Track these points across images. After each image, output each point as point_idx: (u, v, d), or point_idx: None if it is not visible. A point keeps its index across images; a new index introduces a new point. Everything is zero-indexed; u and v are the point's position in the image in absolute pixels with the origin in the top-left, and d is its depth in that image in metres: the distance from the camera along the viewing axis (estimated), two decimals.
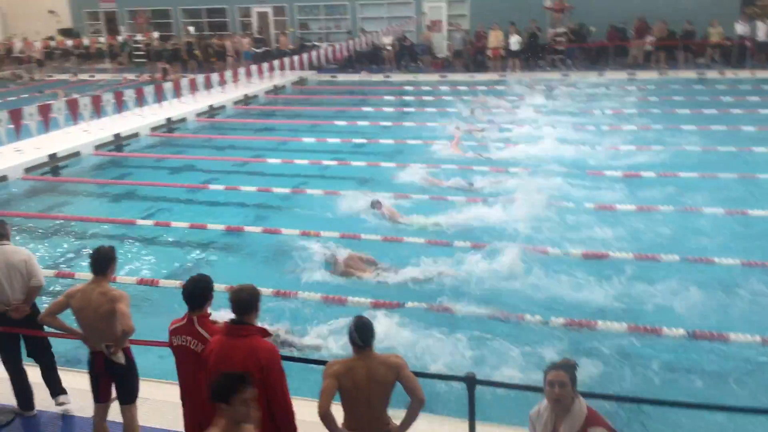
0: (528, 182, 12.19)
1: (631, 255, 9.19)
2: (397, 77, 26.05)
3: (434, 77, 25.66)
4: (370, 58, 28.12)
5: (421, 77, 25.82)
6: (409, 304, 7.96)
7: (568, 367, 4.06)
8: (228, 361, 4.18)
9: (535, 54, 26.08)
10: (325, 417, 4.20)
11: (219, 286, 8.24)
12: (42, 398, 6.23)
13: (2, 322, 5.81)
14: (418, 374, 4.53)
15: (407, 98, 21.79)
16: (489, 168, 13.19)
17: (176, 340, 4.62)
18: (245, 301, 4.33)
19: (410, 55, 27.50)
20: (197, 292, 4.58)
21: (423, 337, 7.28)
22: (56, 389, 6.11)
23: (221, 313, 5.77)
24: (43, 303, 7.65)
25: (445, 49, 28.09)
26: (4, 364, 6.06)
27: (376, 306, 7.94)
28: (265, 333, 4.38)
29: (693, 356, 7.01)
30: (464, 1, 27.99)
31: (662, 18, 24.46)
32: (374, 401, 4.29)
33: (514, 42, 25.31)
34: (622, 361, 6.90)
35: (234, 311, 4.34)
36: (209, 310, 4.71)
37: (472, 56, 26.62)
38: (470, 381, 4.72)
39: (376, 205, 10.87)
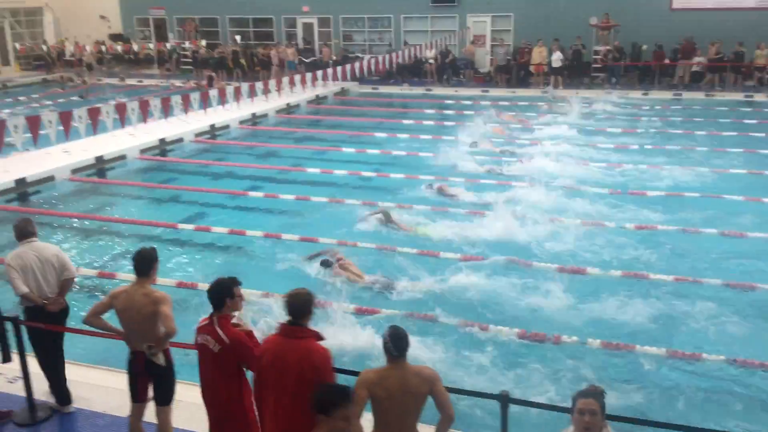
0: (568, 202, 12.13)
1: (671, 277, 9.05)
2: (438, 91, 26.08)
3: (476, 92, 25.61)
4: (412, 71, 28.23)
5: (463, 91, 25.82)
6: (442, 319, 7.95)
7: (597, 395, 4.00)
8: (283, 361, 4.33)
9: (579, 71, 25.89)
10: (354, 426, 4.20)
11: (254, 292, 8.51)
12: (79, 395, 6.37)
13: (40, 316, 5.99)
14: (451, 390, 4.53)
15: (447, 112, 21.78)
16: (523, 184, 13.07)
17: (199, 338, 4.78)
18: (301, 305, 4.44)
19: (452, 69, 27.54)
20: (216, 293, 4.72)
21: (454, 354, 7.26)
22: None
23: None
24: (73, 300, 7.84)
25: (488, 64, 28.06)
26: (41, 358, 6.20)
27: (410, 317, 7.96)
28: (319, 336, 4.49)
29: (732, 383, 6.86)
30: (508, 16, 27.94)
31: (710, 39, 24.09)
32: (406, 413, 4.28)
33: (556, 59, 25.17)
34: (659, 386, 6.79)
35: (290, 314, 4.45)
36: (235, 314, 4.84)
37: (515, 72, 26.54)
38: (504, 399, 4.68)
39: (386, 217, 11.03)
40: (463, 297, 8.63)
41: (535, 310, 8.31)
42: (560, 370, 7.05)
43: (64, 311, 6.16)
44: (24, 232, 6.14)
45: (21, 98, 25.38)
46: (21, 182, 13.70)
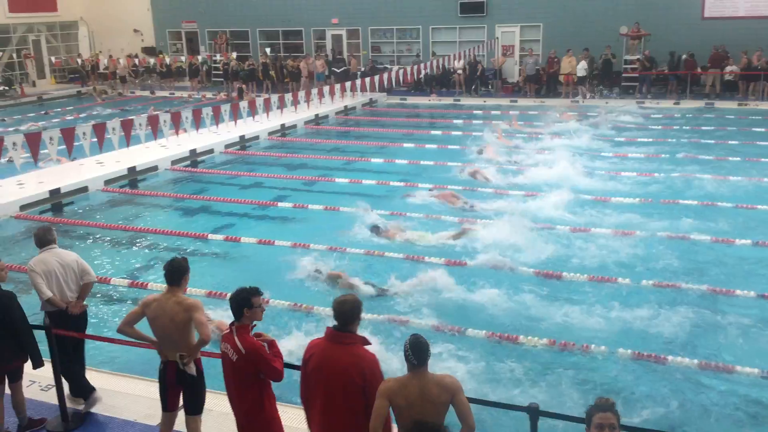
0: (598, 211, 12.04)
1: (704, 287, 8.92)
2: (466, 101, 26.06)
3: (504, 102, 25.56)
4: (441, 82, 28.25)
5: (491, 102, 25.76)
6: (470, 332, 7.92)
7: (612, 407, 3.95)
8: (330, 367, 4.41)
9: (609, 81, 25.68)
10: None
11: (282, 303, 8.57)
12: (111, 404, 6.46)
13: (63, 319, 6.20)
14: (479, 402, 4.50)
15: (476, 122, 21.73)
16: (548, 193, 12.98)
17: (222, 347, 4.86)
18: (348, 312, 4.49)
19: (481, 79, 27.50)
20: (235, 304, 4.79)
21: (483, 365, 7.22)
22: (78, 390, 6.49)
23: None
24: (105, 309, 7.96)
25: (517, 74, 27.98)
26: (63, 360, 6.29)
27: (437, 330, 7.94)
28: (366, 341, 4.54)
29: (766, 397, 6.72)
30: (537, 26, 27.85)
31: (743, 47, 23.74)
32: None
33: (581, 68, 25.05)
34: (690, 398, 6.68)
35: (337, 320, 4.51)
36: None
37: (544, 82, 26.43)
38: (533, 412, 4.64)
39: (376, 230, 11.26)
40: (491, 307, 8.59)
41: (565, 320, 8.23)
42: (589, 380, 6.97)
43: (84, 314, 6.43)
44: (44, 240, 6.39)
45: (56, 110, 25.93)
46: (55, 193, 13.98)
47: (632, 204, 12.59)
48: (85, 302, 6.42)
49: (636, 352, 7.35)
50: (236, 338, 4.72)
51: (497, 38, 28.14)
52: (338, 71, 28.64)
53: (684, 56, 24.62)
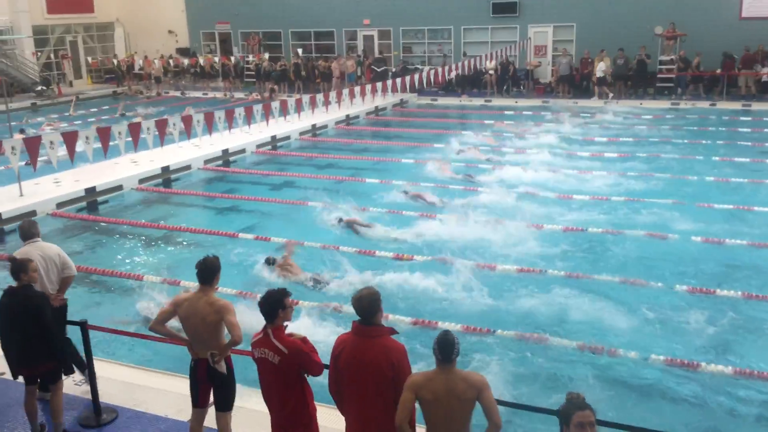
0: (629, 213, 11.91)
1: (739, 293, 8.77)
2: (498, 102, 25.93)
3: (536, 102, 25.38)
4: (472, 82, 28.14)
5: (523, 102, 25.60)
6: (500, 332, 7.89)
7: (587, 404, 3.90)
8: (360, 360, 4.46)
9: (644, 81, 25.35)
10: (401, 429, 4.30)
11: (312, 303, 8.62)
12: (142, 399, 6.56)
13: None
14: (509, 404, 4.49)
15: (507, 123, 21.61)
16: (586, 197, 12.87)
17: (257, 353, 4.83)
18: (368, 306, 4.53)
19: (512, 80, 27.34)
20: (267, 307, 4.78)
21: (510, 366, 7.19)
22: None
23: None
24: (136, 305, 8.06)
25: (549, 74, 27.76)
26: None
27: (468, 331, 7.92)
28: (392, 331, 4.58)
29: None
30: (571, 26, 27.60)
31: None
32: (452, 416, 4.30)
33: (600, 69, 24.86)
34: (724, 405, 6.57)
35: (360, 315, 4.55)
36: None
37: (577, 82, 26.17)
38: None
39: (342, 223, 11.57)
40: (522, 308, 8.56)
41: (594, 324, 8.16)
42: (620, 385, 6.90)
43: (64, 306, 6.54)
44: (28, 233, 6.62)
45: (92, 110, 26.40)
46: (91, 191, 14.24)
47: (665, 204, 12.42)
48: (65, 296, 6.58)
49: (668, 358, 7.25)
50: (274, 340, 4.72)
51: (529, 38, 27.95)
52: (378, 70, 28.75)
53: (736, 56, 24.17)
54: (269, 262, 9.99)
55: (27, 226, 6.69)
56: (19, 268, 5.78)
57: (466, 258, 10.11)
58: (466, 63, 26.10)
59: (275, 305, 4.77)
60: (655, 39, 24.94)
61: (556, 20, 27.78)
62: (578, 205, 12.75)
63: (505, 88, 27.18)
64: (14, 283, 5.82)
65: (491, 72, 27.08)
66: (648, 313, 8.34)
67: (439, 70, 25.28)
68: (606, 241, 10.87)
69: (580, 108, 23.71)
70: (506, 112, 23.59)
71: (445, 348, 4.28)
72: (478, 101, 26.36)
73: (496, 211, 12.27)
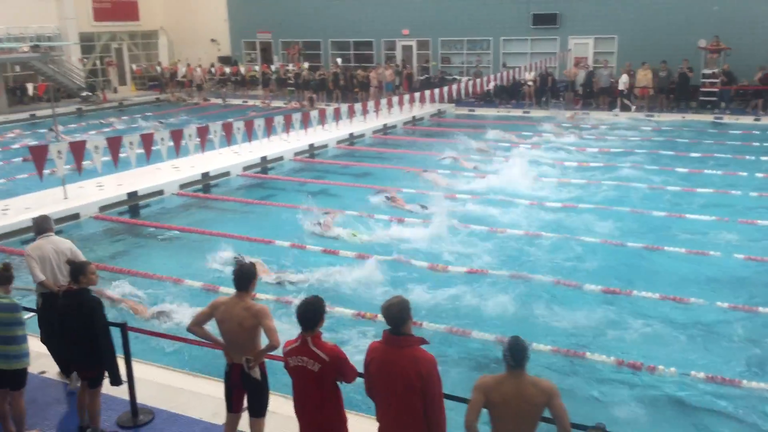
0: (669, 227, 11.72)
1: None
2: (536, 113, 25.77)
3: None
4: (511, 93, 28.02)
5: (562, 114, 25.37)
6: (535, 345, 7.81)
7: None
8: (390, 371, 4.46)
9: (686, 95, 24.95)
10: (470, 430, 4.31)
11: (343, 310, 8.66)
12: (178, 402, 6.65)
13: (52, 302, 6.44)
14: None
15: (545, 135, 21.45)
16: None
17: (293, 361, 4.80)
18: (397, 314, 4.51)
19: (552, 91, 27.15)
20: (310, 314, 4.75)
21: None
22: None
23: None
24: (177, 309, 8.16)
25: (619, 87, 27.41)
26: (47, 338, 6.71)
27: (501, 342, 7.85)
28: (422, 341, 4.56)
29: None
30: (612, 38, 27.33)
31: None
32: (520, 420, 4.30)
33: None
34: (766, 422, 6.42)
35: (389, 324, 4.54)
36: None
37: (618, 95, 25.87)
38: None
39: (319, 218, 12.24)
40: (557, 321, 8.48)
41: (633, 339, 8.05)
42: (658, 402, 6.78)
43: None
44: (42, 228, 6.87)
45: (136, 116, 26.94)
46: (133, 195, 14.52)
47: (707, 221, 12.22)
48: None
49: (710, 375, 7.10)
50: (314, 348, 4.71)
51: (570, 50, 27.74)
52: (422, 78, 28.82)
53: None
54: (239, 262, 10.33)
55: (40, 220, 6.97)
56: (79, 270, 5.87)
57: (503, 269, 10.08)
58: (504, 74, 26.01)
59: (317, 313, 4.77)
60: (698, 52, 24.54)
61: (597, 32, 27.53)
62: (617, 217, 12.59)
63: (543, 99, 27.00)
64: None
65: (530, 83, 26.93)
66: (689, 329, 8.20)
67: (477, 80, 25.23)
68: (645, 256, 10.72)
69: (619, 120, 23.47)
70: (544, 124, 23.41)
71: (517, 353, 4.29)
72: (516, 112, 26.23)
73: (538, 221, 12.23)
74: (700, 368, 7.25)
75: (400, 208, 13.55)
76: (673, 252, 10.78)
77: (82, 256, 6.82)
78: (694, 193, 14.21)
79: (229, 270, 9.65)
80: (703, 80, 24.54)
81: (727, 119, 23.02)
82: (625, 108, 24.84)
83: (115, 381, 5.98)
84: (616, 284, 9.53)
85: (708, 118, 23.24)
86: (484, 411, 4.36)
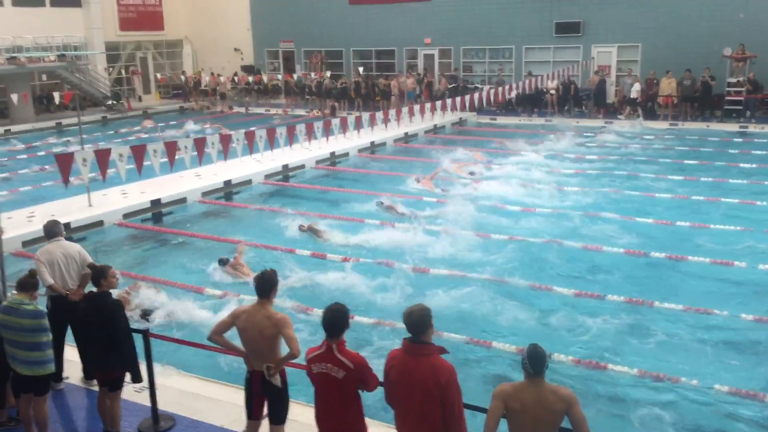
0: (692, 235, 11.59)
1: None
2: (558, 122, 25.62)
3: (598, 123, 25.00)
4: (533, 102, 27.93)
5: (584, 123, 25.25)
6: (556, 356, 7.75)
7: None
8: (409, 379, 4.45)
9: (709, 104, 24.69)
10: None
11: (364, 319, 8.65)
12: (198, 408, 6.69)
13: (61, 305, 6.70)
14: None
15: (564, 143, 21.34)
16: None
17: (316, 368, 4.81)
18: (418, 322, 4.50)
19: (574, 100, 27.01)
20: (336, 321, 4.76)
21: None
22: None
23: None
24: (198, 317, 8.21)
25: (613, 95, 27.32)
26: (56, 340, 6.65)
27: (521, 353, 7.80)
28: (442, 351, 4.54)
29: None
30: (636, 46, 27.15)
31: None
32: (539, 428, 4.28)
33: (635, 90, 24.78)
34: None
35: (410, 331, 4.53)
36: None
37: (643, 103, 25.68)
38: None
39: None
40: (579, 332, 8.41)
41: (655, 351, 7.97)
42: (681, 414, 6.70)
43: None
44: (52, 232, 7.07)
45: (160, 124, 27.23)
46: (156, 203, 14.67)
47: (733, 231, 12.06)
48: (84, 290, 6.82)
49: (734, 388, 6.99)
50: (339, 355, 4.71)
51: (593, 58, 27.59)
52: (450, 86, 28.91)
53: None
54: (222, 262, 10.75)
55: (50, 225, 7.16)
56: (99, 274, 6.02)
57: (523, 278, 10.04)
58: (527, 82, 25.94)
59: (343, 320, 4.78)
60: (723, 60, 24.28)
61: (620, 40, 27.36)
62: (640, 227, 12.50)
63: (566, 108, 26.87)
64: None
65: (552, 92, 26.83)
66: (712, 341, 8.09)
67: (499, 89, 25.17)
68: (668, 267, 10.61)
69: (643, 129, 23.31)
70: (567, 133, 23.29)
71: (536, 360, 4.28)
72: (539, 121, 26.13)
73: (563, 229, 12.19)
74: (723, 381, 7.15)
75: (394, 213, 13.70)
76: (697, 262, 10.67)
77: (89, 260, 6.98)
78: (718, 203, 14.05)
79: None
80: (728, 89, 24.25)
81: (753, 128, 22.74)
82: (629, 116, 25.01)
83: (136, 378, 6.14)
84: (638, 295, 9.44)
85: (733, 127, 22.98)
86: (503, 419, 4.35)
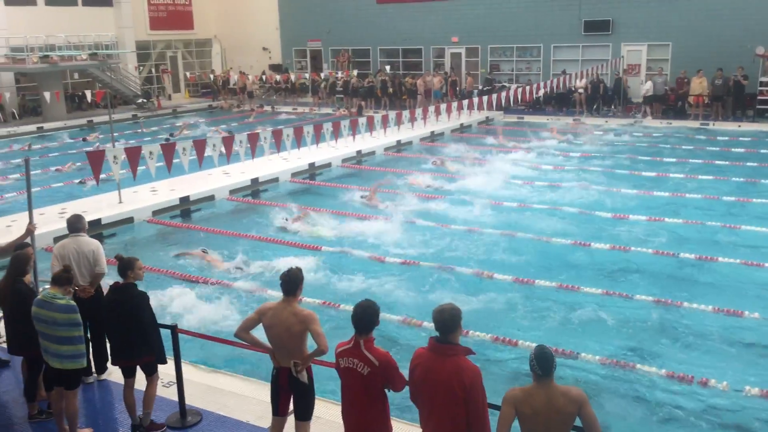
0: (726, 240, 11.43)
1: None
2: (586, 121, 25.41)
3: (627, 122, 24.74)
4: (561, 101, 27.71)
5: (613, 122, 25.00)
6: (583, 355, 7.70)
7: None
8: (434, 378, 4.45)
9: (741, 103, 24.29)
10: None
11: (391, 317, 8.68)
12: (225, 403, 6.76)
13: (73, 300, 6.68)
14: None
15: (598, 143, 21.17)
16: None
17: (343, 362, 4.85)
18: (447, 322, 4.50)
19: (603, 98, 26.75)
20: (366, 317, 4.79)
21: (593, 391, 7.00)
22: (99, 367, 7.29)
23: None
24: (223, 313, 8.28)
25: (642, 93, 26.98)
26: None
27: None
28: (468, 351, 4.54)
29: None
30: (666, 45, 26.80)
31: None
32: (553, 431, 4.25)
33: (648, 88, 24.75)
34: None
35: (438, 330, 4.53)
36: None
37: (672, 102, 25.35)
38: None
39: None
40: (606, 332, 8.35)
41: (684, 352, 7.88)
42: (710, 417, 6.62)
43: (95, 300, 6.85)
44: (74, 227, 7.14)
45: (189, 122, 27.53)
46: (185, 200, 14.85)
47: (763, 232, 11.88)
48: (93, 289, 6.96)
49: (765, 390, 6.89)
50: (366, 351, 4.75)
51: (622, 57, 27.29)
52: (482, 88, 28.88)
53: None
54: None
55: (73, 220, 7.22)
56: (127, 265, 6.15)
57: (551, 280, 9.99)
58: (555, 81, 25.75)
59: (373, 317, 4.81)
60: (756, 59, 23.87)
61: (651, 39, 27.05)
62: (670, 227, 12.36)
63: (594, 107, 26.62)
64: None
65: (581, 90, 26.59)
66: (742, 343, 7.98)
67: (527, 88, 25.02)
68: (698, 267, 10.49)
69: (673, 128, 23.03)
70: (596, 132, 23.11)
71: (544, 362, 4.25)
72: (567, 120, 25.93)
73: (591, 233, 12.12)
74: (754, 383, 7.04)
75: (375, 206, 14.20)
76: (727, 263, 10.52)
77: (103, 262, 7.07)
78: (749, 204, 13.85)
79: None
80: (761, 88, 23.85)
81: None
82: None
83: (161, 360, 6.28)
84: (667, 296, 9.34)
85: (765, 127, 22.58)
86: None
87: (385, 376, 4.75)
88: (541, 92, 25.84)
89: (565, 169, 17.52)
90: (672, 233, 12.08)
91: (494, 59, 30.74)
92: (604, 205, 14.03)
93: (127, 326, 6.10)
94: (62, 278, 6.02)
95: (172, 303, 9.45)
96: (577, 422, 4.30)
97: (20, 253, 6.68)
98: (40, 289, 6.92)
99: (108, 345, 6.81)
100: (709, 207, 13.77)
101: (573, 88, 26.78)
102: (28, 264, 6.67)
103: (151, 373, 6.29)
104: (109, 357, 6.92)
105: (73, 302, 6.01)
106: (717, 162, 17.97)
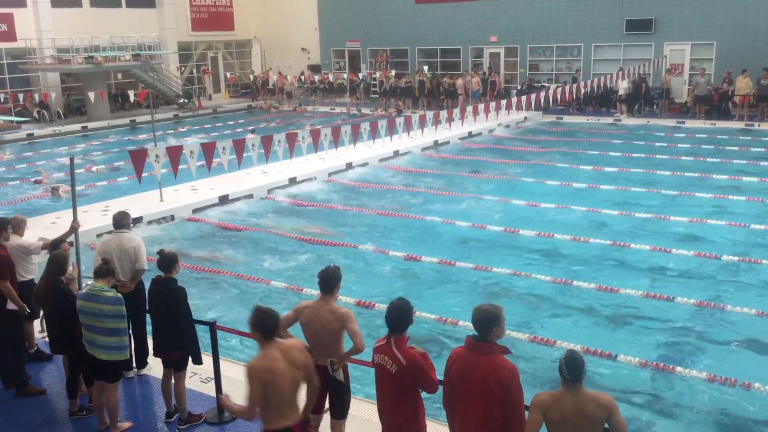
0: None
1: None
2: (627, 122, 25.03)
3: (670, 123, 24.29)
4: (601, 101, 27.34)
5: (655, 122, 24.58)
6: (622, 357, 7.60)
7: None
8: (470, 377, 4.44)
9: None
10: None
11: (427, 315, 8.68)
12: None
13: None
14: None
15: (637, 143, 20.84)
16: None
17: (376, 358, 4.90)
18: (485, 321, 4.48)
19: (645, 99, 26.31)
20: (399, 317, 4.81)
21: (634, 395, 6.90)
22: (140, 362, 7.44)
23: None
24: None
25: (685, 93, 26.50)
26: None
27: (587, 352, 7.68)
28: (505, 350, 4.52)
29: None
30: (710, 44, 26.26)
31: None
32: None
33: (623, 87, 24.71)
34: None
35: (476, 329, 4.53)
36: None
37: (716, 103, 24.81)
38: None
39: None
40: (646, 335, 8.22)
41: (727, 356, 7.73)
42: (752, 422, 6.49)
43: (138, 294, 7.06)
44: (119, 224, 7.28)
45: (229, 122, 27.88)
46: (224, 199, 15.04)
47: None
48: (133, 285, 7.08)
49: None
50: (395, 350, 4.78)
51: (665, 56, 26.81)
52: (519, 88, 28.78)
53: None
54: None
55: (119, 216, 7.36)
56: (168, 260, 6.31)
57: (587, 281, 9.88)
58: (595, 81, 25.41)
59: (406, 317, 4.83)
60: None
61: (694, 38, 26.52)
62: (712, 229, 12.13)
63: (636, 107, 26.21)
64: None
65: (622, 90, 26.18)
66: None
67: (566, 88, 24.75)
68: (741, 270, 10.27)
69: (717, 129, 22.55)
70: (635, 132, 22.75)
71: (574, 367, 4.19)
72: (607, 120, 25.57)
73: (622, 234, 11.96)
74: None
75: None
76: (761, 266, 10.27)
77: (143, 259, 7.19)
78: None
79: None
80: None
81: None
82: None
83: (197, 360, 6.36)
84: (709, 298, 9.17)
85: None
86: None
87: (414, 375, 4.76)
88: (582, 92, 25.51)
89: (604, 171, 17.30)
90: (714, 235, 11.85)
91: (533, 59, 30.48)
92: (640, 206, 13.82)
93: (163, 320, 6.26)
94: (103, 270, 6.19)
95: (211, 299, 9.59)
96: None
97: (57, 253, 6.81)
98: (84, 285, 7.09)
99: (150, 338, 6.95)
100: (752, 209, 13.45)
101: (614, 89, 26.38)
102: (67, 263, 6.81)
103: (179, 370, 6.40)
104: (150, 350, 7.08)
105: (120, 295, 6.16)
106: (762, 163, 17.54)
